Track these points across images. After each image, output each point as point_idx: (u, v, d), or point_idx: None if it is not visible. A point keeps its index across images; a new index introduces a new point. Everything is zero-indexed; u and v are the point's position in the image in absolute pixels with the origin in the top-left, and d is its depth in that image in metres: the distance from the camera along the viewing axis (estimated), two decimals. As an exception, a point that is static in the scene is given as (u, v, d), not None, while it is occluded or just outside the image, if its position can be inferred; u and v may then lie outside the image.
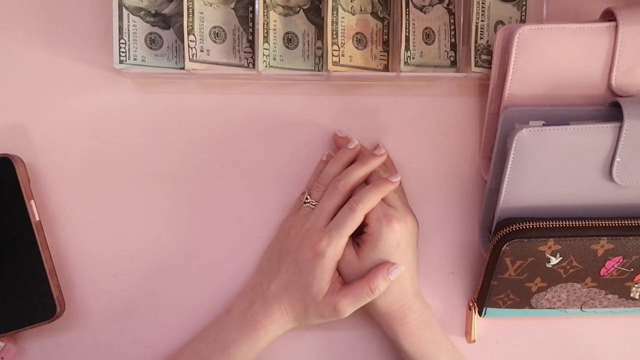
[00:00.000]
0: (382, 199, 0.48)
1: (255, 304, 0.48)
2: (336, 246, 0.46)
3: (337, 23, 0.49)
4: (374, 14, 0.51)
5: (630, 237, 0.46)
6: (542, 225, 0.46)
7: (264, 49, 0.49)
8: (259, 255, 0.52)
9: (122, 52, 0.48)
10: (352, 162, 0.50)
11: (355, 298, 0.46)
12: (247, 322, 0.48)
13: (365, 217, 0.47)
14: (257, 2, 0.49)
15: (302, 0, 0.50)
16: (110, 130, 0.52)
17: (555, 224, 0.46)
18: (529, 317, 0.53)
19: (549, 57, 0.47)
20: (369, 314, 0.50)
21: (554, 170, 0.46)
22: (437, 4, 0.51)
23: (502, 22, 0.51)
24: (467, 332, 0.53)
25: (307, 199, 0.49)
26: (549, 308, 0.51)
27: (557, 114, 0.47)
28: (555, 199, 0.47)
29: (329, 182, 0.49)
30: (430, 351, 0.49)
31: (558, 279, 0.48)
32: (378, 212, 0.47)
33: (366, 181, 0.49)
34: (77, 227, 0.51)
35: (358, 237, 0.48)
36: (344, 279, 0.49)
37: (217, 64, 0.49)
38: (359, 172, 0.48)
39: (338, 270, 0.48)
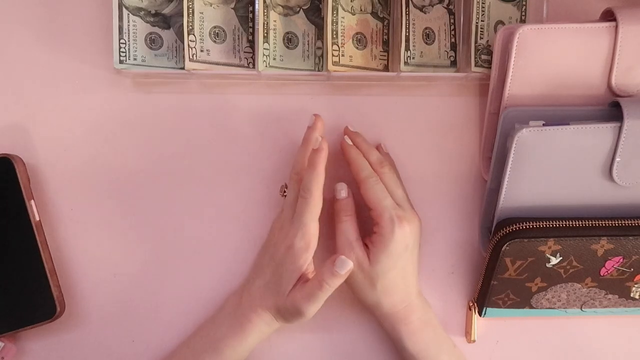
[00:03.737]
0: (392, 196, 0.48)
1: (243, 300, 0.48)
2: (303, 236, 0.45)
3: (337, 23, 0.49)
4: (374, 14, 0.51)
5: (630, 237, 0.46)
6: (542, 225, 0.46)
7: (264, 49, 0.49)
8: (259, 255, 0.52)
9: (122, 52, 0.48)
10: None
11: (309, 294, 0.45)
12: (235, 318, 0.48)
13: (377, 216, 0.47)
14: (257, 2, 0.49)
15: (302, 0, 0.50)
16: (110, 130, 0.52)
17: (555, 224, 0.46)
18: (529, 317, 0.53)
19: (549, 57, 0.47)
20: (373, 315, 0.51)
21: (554, 170, 0.46)
22: (437, 4, 0.51)
23: (502, 22, 0.51)
24: (467, 332, 0.53)
25: (284, 191, 0.50)
26: (549, 308, 0.51)
27: (557, 114, 0.47)
28: (555, 199, 0.47)
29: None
30: (432, 351, 0.49)
31: (558, 279, 0.48)
32: (390, 212, 0.46)
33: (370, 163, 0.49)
34: (77, 227, 0.51)
35: (367, 237, 0.48)
36: (356, 286, 0.48)
37: (217, 64, 0.49)
38: (303, 155, 0.48)
39: (350, 278, 0.48)
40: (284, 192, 0.49)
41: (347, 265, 0.44)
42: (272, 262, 0.47)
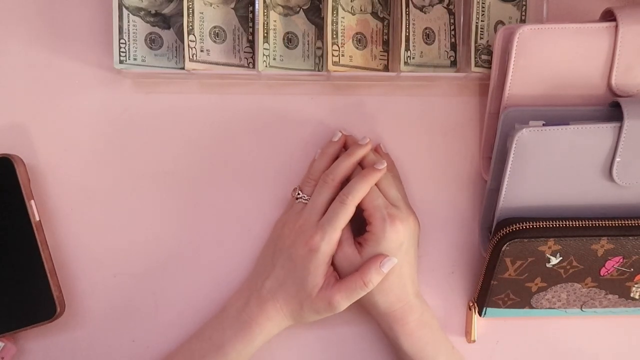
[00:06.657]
0: (385, 197, 0.48)
1: (250, 302, 0.48)
2: (330, 240, 0.46)
3: (337, 23, 0.49)
4: (374, 14, 0.51)
5: (630, 237, 0.46)
6: (542, 225, 0.46)
7: (264, 49, 0.49)
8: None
9: (122, 52, 0.48)
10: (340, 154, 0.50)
11: (349, 292, 0.46)
12: (241, 321, 0.48)
13: (369, 216, 0.47)
14: (257, 2, 0.49)
15: (302, 0, 0.50)
16: (110, 130, 0.52)
17: (555, 224, 0.46)
18: (529, 317, 0.53)
19: (549, 57, 0.47)
20: (369, 314, 0.50)
21: (554, 170, 0.46)
22: (437, 4, 0.51)
23: (502, 22, 0.51)
24: (467, 332, 0.53)
25: (299, 194, 0.49)
26: (549, 308, 0.51)
27: (557, 114, 0.47)
28: (556, 199, 0.47)
29: (319, 176, 0.49)
30: (430, 352, 0.49)
31: (558, 279, 0.48)
32: (382, 211, 0.47)
33: (361, 165, 0.49)
34: (77, 227, 0.51)
35: (360, 236, 0.48)
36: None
37: (217, 64, 0.49)
38: (346, 164, 0.48)
39: (340, 269, 0.48)
40: (299, 194, 0.49)
41: (392, 265, 0.46)
42: (289, 263, 0.47)
